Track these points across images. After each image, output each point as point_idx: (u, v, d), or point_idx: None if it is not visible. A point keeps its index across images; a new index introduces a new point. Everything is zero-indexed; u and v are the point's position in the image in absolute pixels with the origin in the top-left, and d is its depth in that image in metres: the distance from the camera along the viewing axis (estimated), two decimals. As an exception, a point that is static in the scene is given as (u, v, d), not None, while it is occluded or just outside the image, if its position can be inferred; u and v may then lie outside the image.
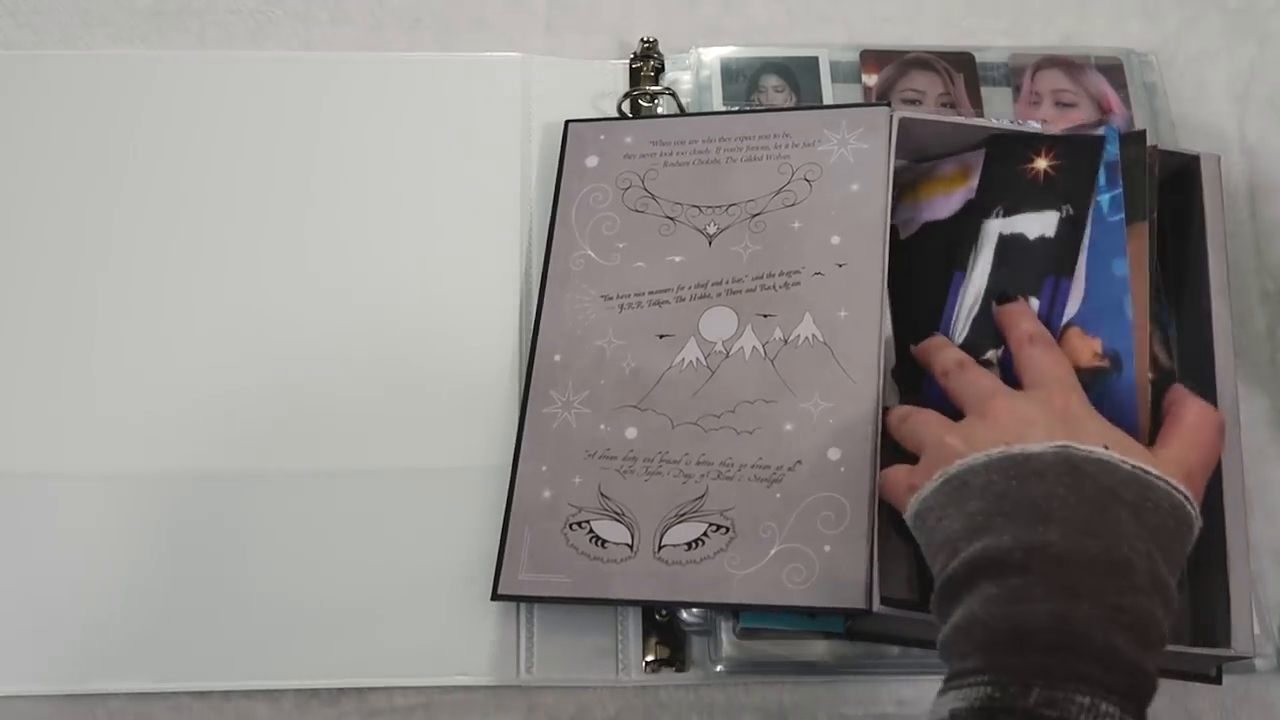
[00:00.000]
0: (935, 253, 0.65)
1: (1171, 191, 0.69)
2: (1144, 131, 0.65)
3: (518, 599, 0.62)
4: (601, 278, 0.67)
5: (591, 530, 0.61)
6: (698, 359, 0.63)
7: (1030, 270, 0.63)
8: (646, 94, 0.73)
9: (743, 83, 0.74)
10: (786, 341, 0.63)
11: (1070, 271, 0.62)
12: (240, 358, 0.68)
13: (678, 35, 0.76)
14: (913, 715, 0.63)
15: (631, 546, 0.60)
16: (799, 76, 0.74)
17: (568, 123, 0.71)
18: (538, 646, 0.63)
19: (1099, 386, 0.59)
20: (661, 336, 0.64)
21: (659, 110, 0.73)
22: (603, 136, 0.70)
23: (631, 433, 0.62)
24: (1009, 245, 0.64)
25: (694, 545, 0.59)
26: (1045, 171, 0.65)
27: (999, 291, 0.62)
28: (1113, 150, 0.64)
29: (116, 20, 0.77)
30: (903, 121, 0.67)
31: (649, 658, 0.62)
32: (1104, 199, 0.64)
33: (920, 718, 0.62)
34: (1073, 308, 0.62)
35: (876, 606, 0.56)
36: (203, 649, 0.62)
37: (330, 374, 0.68)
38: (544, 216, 0.70)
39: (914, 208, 0.67)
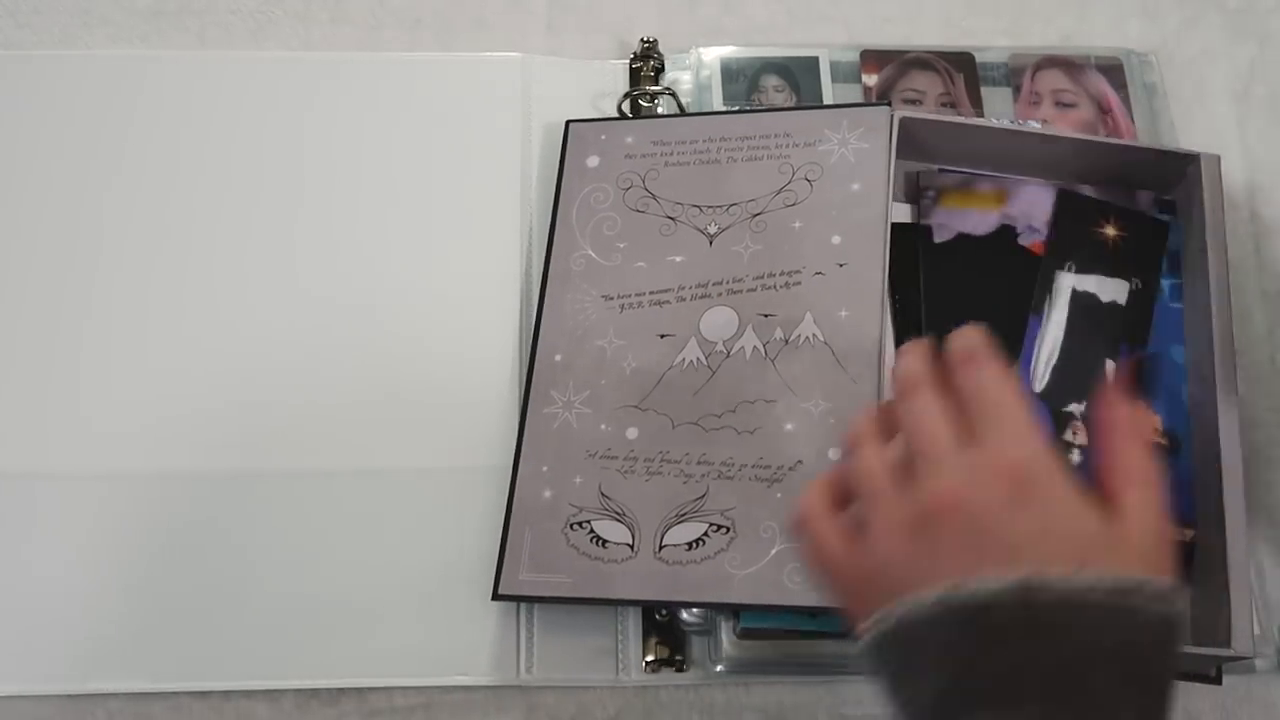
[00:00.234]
0: (971, 267, 0.67)
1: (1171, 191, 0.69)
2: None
3: (518, 599, 0.62)
4: (602, 278, 0.67)
5: (592, 530, 0.61)
6: (698, 359, 0.63)
7: (1106, 333, 0.65)
8: (647, 94, 0.73)
9: (743, 83, 0.74)
10: (787, 341, 0.63)
11: (1144, 342, 0.65)
12: (240, 358, 0.68)
13: (678, 35, 0.76)
14: (913, 715, 0.63)
15: (632, 546, 0.60)
16: (799, 76, 0.74)
17: (569, 123, 0.71)
18: (538, 646, 0.63)
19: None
20: (662, 336, 0.64)
21: (659, 110, 0.73)
22: (603, 136, 0.70)
23: (632, 433, 0.62)
24: (1082, 302, 0.65)
25: (695, 545, 0.59)
26: (1115, 240, 0.67)
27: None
28: (1176, 240, 0.67)
29: (116, 20, 0.77)
30: (903, 121, 0.67)
31: (649, 658, 0.62)
32: (1166, 284, 0.66)
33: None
34: None
35: (877, 606, 0.56)
36: (203, 649, 0.62)
37: (330, 374, 0.68)
38: (544, 216, 0.70)
39: (948, 214, 0.68)
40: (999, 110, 0.74)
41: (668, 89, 0.73)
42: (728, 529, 0.59)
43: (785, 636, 0.61)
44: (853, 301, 0.63)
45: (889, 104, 0.70)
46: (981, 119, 0.73)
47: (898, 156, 0.66)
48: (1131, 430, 0.48)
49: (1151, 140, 0.73)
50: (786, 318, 0.63)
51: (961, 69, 0.75)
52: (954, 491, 0.45)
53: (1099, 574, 0.42)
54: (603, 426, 0.63)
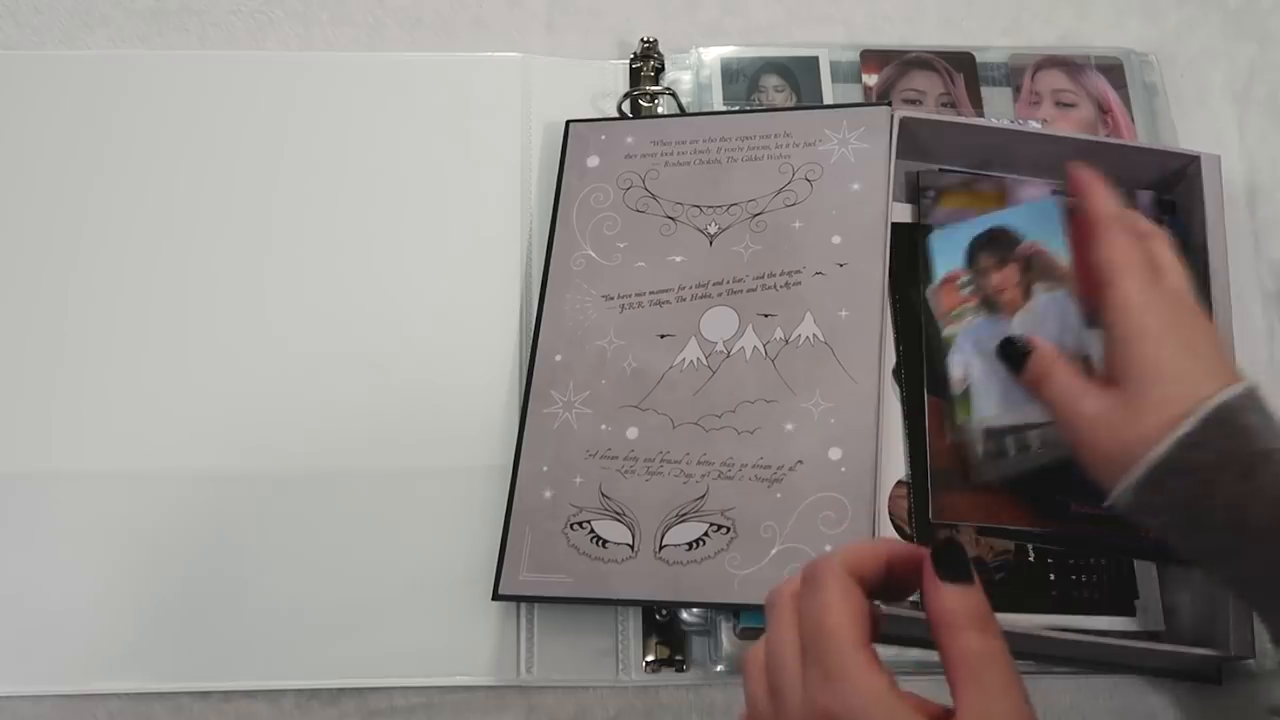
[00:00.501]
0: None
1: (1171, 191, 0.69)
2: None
3: (518, 599, 0.62)
4: (602, 278, 0.67)
5: (592, 530, 0.61)
6: (698, 359, 0.63)
7: None
8: (647, 94, 0.73)
9: (743, 83, 0.74)
10: (787, 341, 0.63)
11: None
12: (239, 358, 0.68)
13: (678, 35, 0.76)
14: (913, 715, 0.63)
15: (632, 546, 0.60)
16: (799, 76, 0.74)
17: (569, 123, 0.71)
18: (538, 646, 0.63)
19: None
20: (662, 336, 0.64)
21: (659, 110, 0.73)
22: (604, 136, 0.70)
23: (632, 433, 0.62)
24: None
25: (695, 545, 0.59)
26: None
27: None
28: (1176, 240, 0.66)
29: (116, 20, 0.77)
30: (903, 121, 0.67)
31: (649, 658, 0.62)
32: None
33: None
34: None
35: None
36: (203, 649, 0.62)
37: (330, 374, 0.68)
38: (544, 216, 0.70)
39: (948, 214, 0.68)
40: (999, 110, 0.74)
41: (668, 89, 0.73)
42: (728, 529, 0.59)
43: (785, 636, 0.61)
44: (853, 301, 0.63)
45: (889, 104, 0.70)
46: (981, 119, 0.73)
47: (898, 156, 0.66)
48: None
49: (1151, 140, 0.73)
50: (786, 318, 0.63)
51: (961, 69, 0.75)
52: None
53: None
54: (603, 426, 0.63)
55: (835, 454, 0.60)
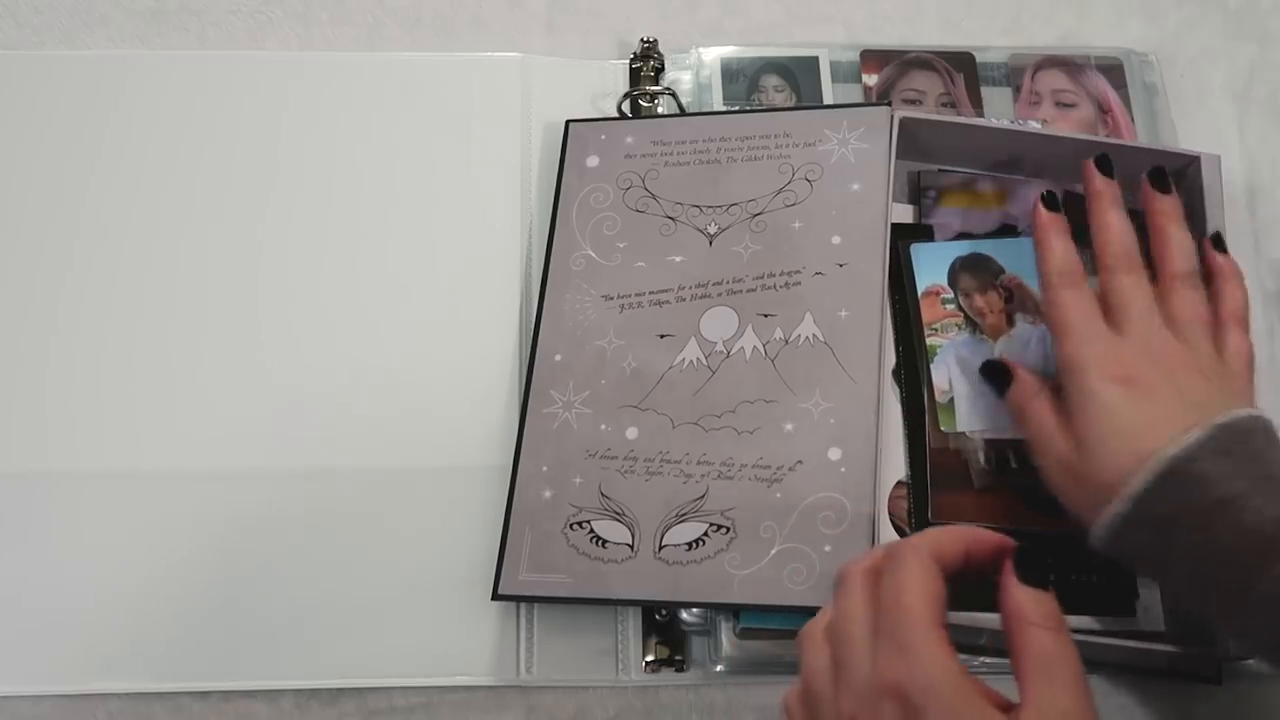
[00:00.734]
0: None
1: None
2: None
3: (518, 599, 0.62)
4: (602, 278, 0.67)
5: (592, 530, 0.61)
6: (698, 359, 0.63)
7: None
8: (646, 94, 0.73)
9: (743, 83, 0.74)
10: (787, 341, 0.63)
11: None
12: (238, 358, 0.68)
13: (678, 35, 0.76)
14: (913, 715, 0.63)
15: (632, 546, 0.60)
16: (799, 76, 0.74)
17: (568, 123, 0.71)
18: (538, 646, 0.63)
19: None
20: (662, 336, 0.64)
21: (659, 110, 0.73)
22: (603, 136, 0.70)
23: (632, 433, 0.62)
24: None
25: (694, 545, 0.59)
26: None
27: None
28: None
29: (116, 20, 0.77)
30: (903, 121, 0.67)
31: (649, 658, 0.62)
32: None
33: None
34: None
35: (877, 606, 0.56)
36: (202, 649, 0.62)
37: (330, 374, 0.68)
38: (544, 216, 0.70)
39: (949, 214, 0.68)
40: (999, 110, 0.74)
41: (668, 89, 0.73)
42: (728, 529, 0.59)
43: (785, 636, 0.61)
44: (853, 301, 0.63)
45: (889, 104, 0.70)
46: (981, 119, 0.73)
47: (898, 156, 0.66)
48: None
49: (1151, 140, 0.73)
50: (786, 318, 0.63)
51: (961, 69, 0.75)
52: (850, 714, 0.45)
53: None
54: (603, 426, 0.63)
55: (835, 454, 0.60)
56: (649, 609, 0.62)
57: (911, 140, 0.68)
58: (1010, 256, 0.66)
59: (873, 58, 0.75)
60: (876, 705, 0.43)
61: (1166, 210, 0.60)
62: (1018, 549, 0.46)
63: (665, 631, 0.62)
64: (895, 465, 0.63)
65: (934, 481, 0.62)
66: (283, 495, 0.65)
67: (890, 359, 0.65)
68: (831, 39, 0.77)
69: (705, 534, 0.60)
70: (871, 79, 0.75)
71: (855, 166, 0.66)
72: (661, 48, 0.75)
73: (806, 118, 0.69)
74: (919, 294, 0.65)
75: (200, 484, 0.65)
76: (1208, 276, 0.60)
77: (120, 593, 0.63)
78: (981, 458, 0.62)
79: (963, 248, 0.66)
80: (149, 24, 0.77)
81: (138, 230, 0.71)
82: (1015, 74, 0.75)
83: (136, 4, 0.78)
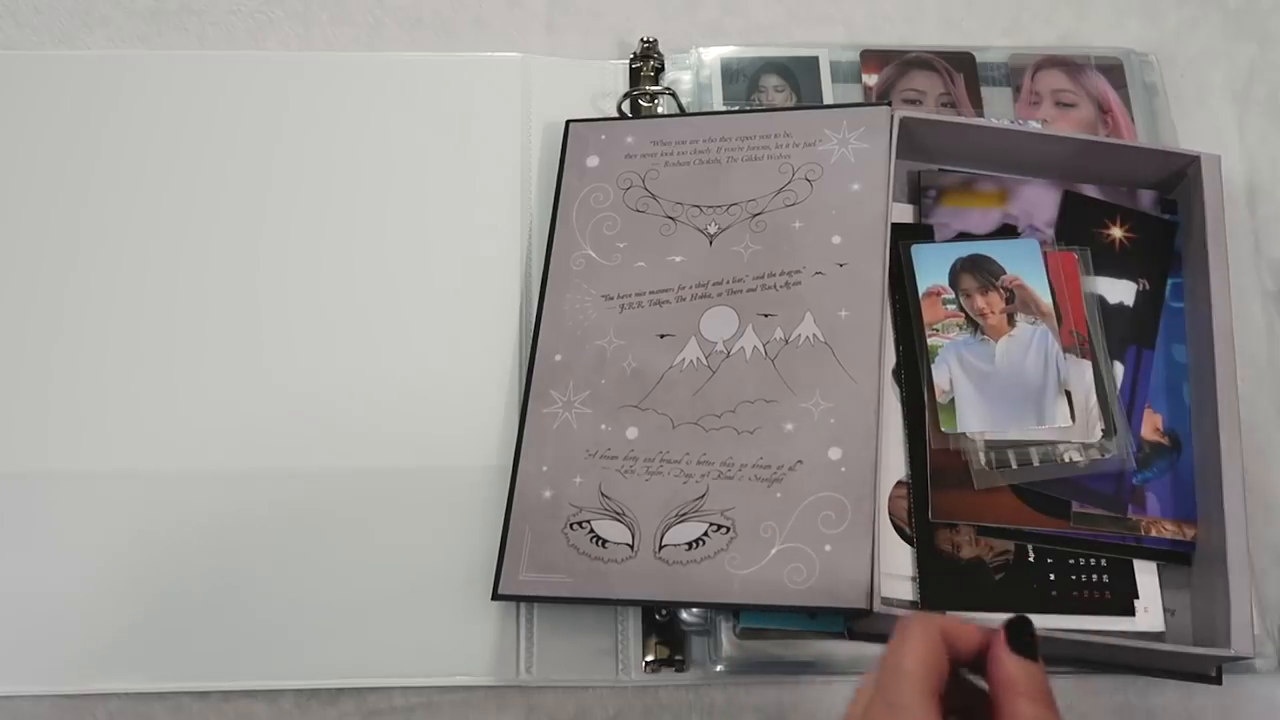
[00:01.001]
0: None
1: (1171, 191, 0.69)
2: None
3: (518, 599, 0.62)
4: (602, 277, 0.67)
5: (592, 530, 0.61)
6: (698, 359, 0.63)
7: (1113, 334, 0.65)
8: (646, 94, 0.73)
9: (743, 83, 0.74)
10: (787, 341, 0.63)
11: (1151, 344, 0.66)
12: (239, 357, 0.68)
13: (678, 35, 0.77)
14: (913, 715, 0.63)
15: (632, 546, 0.60)
16: (799, 76, 0.74)
17: (569, 123, 0.71)
18: (538, 646, 0.63)
19: (1160, 462, 0.63)
20: (662, 336, 0.64)
21: (659, 110, 0.73)
22: (603, 136, 0.70)
23: (632, 432, 0.62)
24: (1090, 303, 0.66)
25: (694, 545, 0.59)
26: (1121, 241, 0.67)
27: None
28: (1177, 239, 0.67)
29: (116, 20, 0.77)
30: (903, 121, 0.67)
31: (649, 658, 0.62)
32: (1168, 284, 0.67)
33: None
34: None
35: (877, 606, 0.56)
36: (203, 649, 0.62)
37: (330, 373, 0.68)
38: (544, 216, 0.70)
39: (949, 213, 0.68)
40: (999, 110, 0.74)
41: (668, 89, 0.73)
42: (728, 529, 0.59)
43: (785, 636, 0.62)
44: (853, 301, 0.63)
45: (889, 104, 0.70)
46: (981, 119, 0.73)
47: (898, 156, 0.66)
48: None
49: (1151, 140, 0.73)
50: (786, 318, 0.63)
51: (961, 69, 0.75)
52: None
53: None
54: (603, 426, 0.63)
55: (835, 454, 0.60)
56: (649, 609, 0.62)
57: (911, 140, 0.68)
58: (1010, 257, 0.66)
59: (873, 58, 0.75)
60: None
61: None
62: (1010, 620, 0.47)
63: (665, 631, 0.62)
64: (895, 465, 0.63)
65: (934, 481, 0.62)
66: (282, 495, 0.65)
67: (890, 359, 0.65)
68: (831, 39, 0.77)
69: (705, 534, 0.60)
70: (871, 79, 0.75)
71: (855, 166, 0.66)
72: (661, 48, 0.75)
73: (806, 118, 0.69)
74: (920, 294, 0.65)
75: (200, 484, 0.65)
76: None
77: (120, 593, 0.63)
78: (981, 458, 0.62)
79: (963, 248, 0.66)
80: (149, 24, 0.77)
81: (137, 230, 0.71)
82: (1015, 74, 0.75)
83: (136, 4, 0.78)
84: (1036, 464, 0.62)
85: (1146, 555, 0.62)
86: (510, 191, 0.72)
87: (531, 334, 0.66)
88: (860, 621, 0.59)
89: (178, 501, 0.65)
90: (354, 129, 0.73)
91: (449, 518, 0.64)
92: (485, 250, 0.71)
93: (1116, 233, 0.68)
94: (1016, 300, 0.65)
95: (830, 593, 0.57)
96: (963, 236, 0.68)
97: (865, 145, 0.67)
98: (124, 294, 0.69)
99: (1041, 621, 0.59)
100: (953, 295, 0.65)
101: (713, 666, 0.62)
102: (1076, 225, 0.68)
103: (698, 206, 0.67)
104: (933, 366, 0.64)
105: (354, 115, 0.74)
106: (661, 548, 0.60)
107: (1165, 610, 0.61)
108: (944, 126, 0.69)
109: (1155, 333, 0.66)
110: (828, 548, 0.58)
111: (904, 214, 0.69)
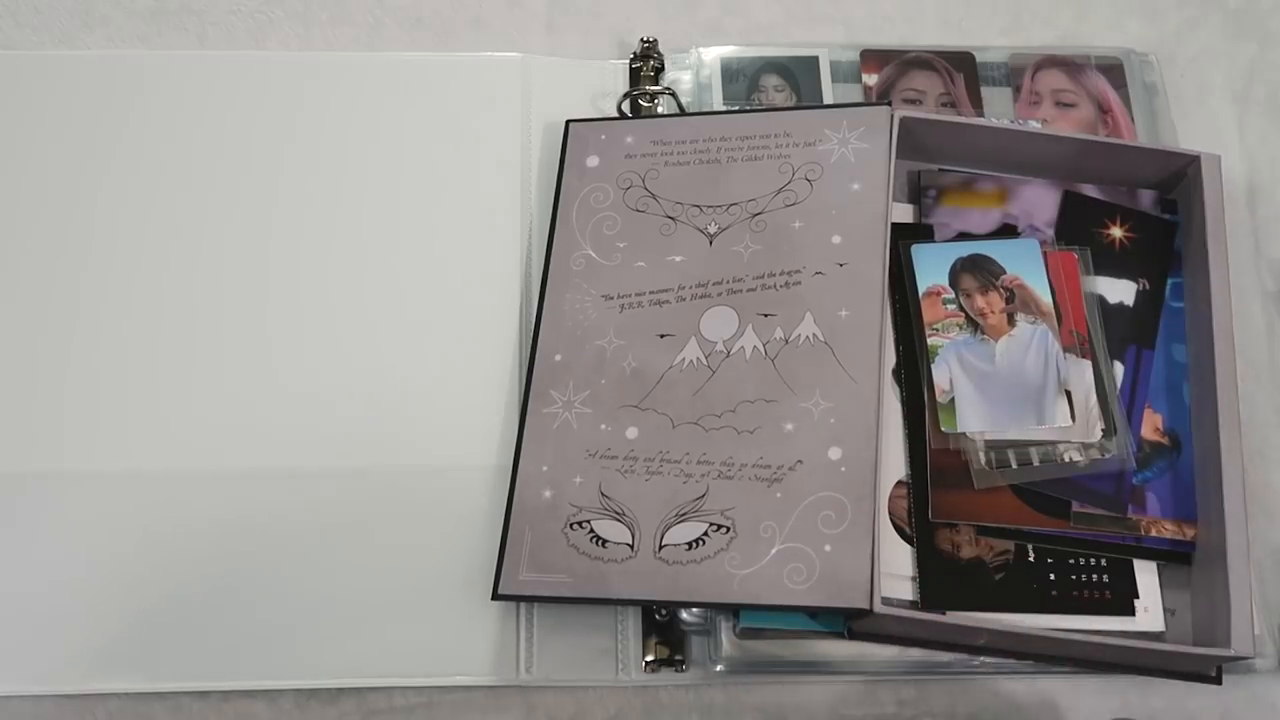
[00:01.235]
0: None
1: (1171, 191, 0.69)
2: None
3: (518, 599, 0.62)
4: (602, 277, 0.67)
5: (592, 530, 0.61)
6: (698, 359, 0.63)
7: (1113, 334, 0.65)
8: (646, 94, 0.73)
9: (743, 82, 0.74)
10: (787, 341, 0.63)
11: (1151, 344, 0.65)
12: (239, 357, 0.68)
13: (678, 35, 0.77)
14: (913, 715, 0.63)
15: (632, 546, 0.60)
16: (799, 76, 0.74)
17: (568, 123, 0.71)
18: (538, 646, 0.63)
19: (1160, 462, 0.63)
20: (662, 336, 0.64)
21: (659, 110, 0.73)
22: (603, 136, 0.70)
23: (632, 432, 0.62)
24: (1090, 303, 0.66)
25: (694, 545, 0.59)
26: (1121, 241, 0.67)
27: None
28: (1177, 239, 0.67)
29: (116, 20, 0.77)
30: (903, 121, 0.67)
31: (649, 658, 0.62)
32: (1168, 283, 0.67)
33: (920, 718, 0.63)
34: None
35: (877, 606, 0.56)
36: (203, 649, 0.62)
37: (330, 373, 0.68)
38: (544, 216, 0.70)
39: (949, 213, 0.68)
40: (999, 110, 0.74)
41: (668, 89, 0.73)
42: (728, 529, 0.59)
43: (785, 636, 0.62)
44: (853, 301, 0.63)
45: (889, 104, 0.70)
46: (981, 119, 0.73)
47: (898, 156, 0.66)
48: None
49: (1151, 140, 0.73)
50: (786, 317, 0.63)
51: (961, 69, 0.75)
52: None
53: None
54: (603, 426, 0.63)
55: (835, 454, 0.60)
56: (649, 609, 0.62)
57: (911, 140, 0.68)
58: (1010, 257, 0.66)
59: (873, 58, 0.75)
60: None
61: None
62: None
63: (665, 631, 0.62)
64: (895, 465, 0.63)
65: (934, 481, 0.62)
66: (282, 495, 0.65)
67: (890, 359, 0.65)
68: (831, 39, 0.77)
69: (705, 534, 0.60)
70: (871, 79, 0.75)
71: (855, 166, 0.66)
72: (661, 48, 0.75)
73: (806, 117, 0.69)
74: (920, 294, 0.65)
75: (201, 484, 0.65)
76: None
77: (120, 593, 0.63)
78: (981, 457, 0.62)
79: (963, 248, 0.66)
80: (149, 24, 0.77)
81: (137, 230, 0.71)
82: (1015, 74, 0.75)
83: (136, 4, 0.78)
84: (1036, 464, 0.62)
85: (1146, 555, 0.62)
86: (510, 191, 0.72)
87: (531, 334, 0.66)
88: (860, 621, 0.59)
89: (178, 502, 0.65)
90: (354, 129, 0.73)
91: (449, 518, 0.64)
92: (485, 250, 0.71)
93: (1116, 233, 0.68)
94: (1016, 300, 0.65)
95: (830, 593, 0.57)
96: (963, 236, 0.68)
97: (865, 145, 0.67)
98: (124, 294, 0.69)
99: (1042, 621, 0.60)
100: (953, 295, 0.65)
101: (713, 666, 0.62)
102: (1076, 225, 0.68)
103: (698, 206, 0.67)
104: (933, 366, 0.64)
105: (354, 115, 0.74)
106: (661, 547, 0.60)
107: (1165, 610, 0.61)
108: (944, 126, 0.69)
109: (1155, 333, 0.66)
110: (828, 548, 0.58)
111: (904, 214, 0.69)
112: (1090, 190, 0.69)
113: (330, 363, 0.68)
